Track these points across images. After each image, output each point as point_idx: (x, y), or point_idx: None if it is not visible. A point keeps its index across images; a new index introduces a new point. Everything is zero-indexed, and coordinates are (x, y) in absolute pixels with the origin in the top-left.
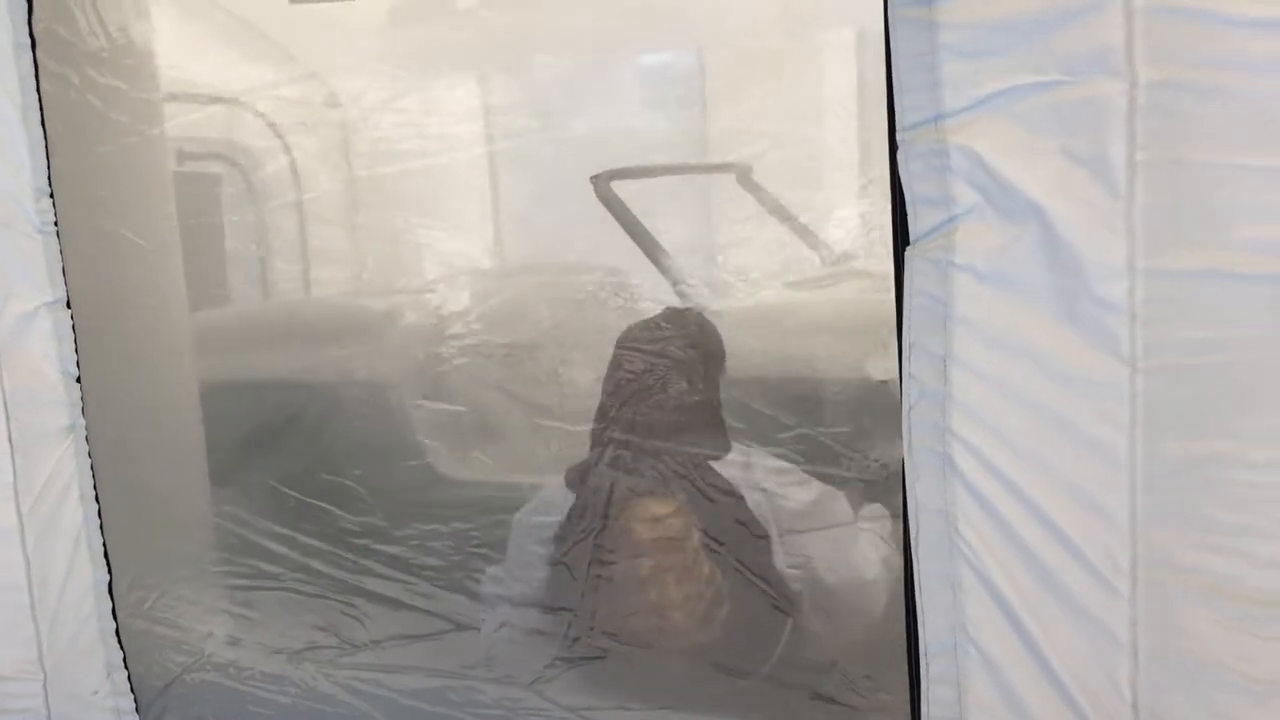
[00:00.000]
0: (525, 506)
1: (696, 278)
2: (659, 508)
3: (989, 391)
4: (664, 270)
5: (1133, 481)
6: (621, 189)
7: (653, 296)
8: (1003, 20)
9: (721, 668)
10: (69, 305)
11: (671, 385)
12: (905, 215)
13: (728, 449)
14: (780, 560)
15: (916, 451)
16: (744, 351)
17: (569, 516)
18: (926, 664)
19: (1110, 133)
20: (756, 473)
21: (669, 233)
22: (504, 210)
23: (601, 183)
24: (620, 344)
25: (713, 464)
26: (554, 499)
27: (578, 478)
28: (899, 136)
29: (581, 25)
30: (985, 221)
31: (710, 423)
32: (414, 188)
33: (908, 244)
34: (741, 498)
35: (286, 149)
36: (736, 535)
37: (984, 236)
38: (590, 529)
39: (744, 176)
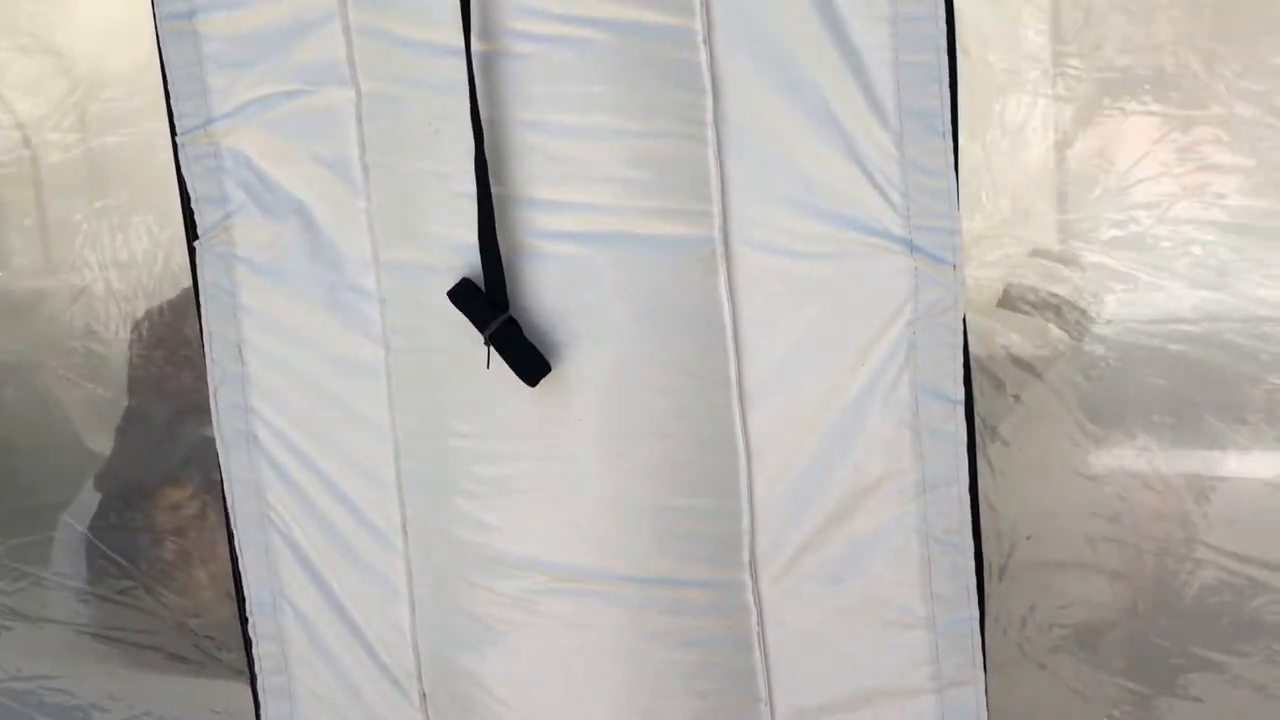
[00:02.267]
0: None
1: None
2: (175, 494)
3: (278, 373)
4: None
5: (395, 450)
6: None
7: None
8: (252, 33)
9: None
10: None
11: (192, 369)
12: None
13: None
14: None
15: (225, 429)
16: None
17: (96, 515)
18: (253, 623)
19: (345, 138)
20: None
21: None
22: None
23: None
24: (134, 334)
25: None
26: (86, 502)
27: (104, 478)
28: (177, 139)
29: None
30: (255, 218)
31: None
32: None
33: (198, 238)
34: None
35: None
36: None
37: (255, 231)
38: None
39: None
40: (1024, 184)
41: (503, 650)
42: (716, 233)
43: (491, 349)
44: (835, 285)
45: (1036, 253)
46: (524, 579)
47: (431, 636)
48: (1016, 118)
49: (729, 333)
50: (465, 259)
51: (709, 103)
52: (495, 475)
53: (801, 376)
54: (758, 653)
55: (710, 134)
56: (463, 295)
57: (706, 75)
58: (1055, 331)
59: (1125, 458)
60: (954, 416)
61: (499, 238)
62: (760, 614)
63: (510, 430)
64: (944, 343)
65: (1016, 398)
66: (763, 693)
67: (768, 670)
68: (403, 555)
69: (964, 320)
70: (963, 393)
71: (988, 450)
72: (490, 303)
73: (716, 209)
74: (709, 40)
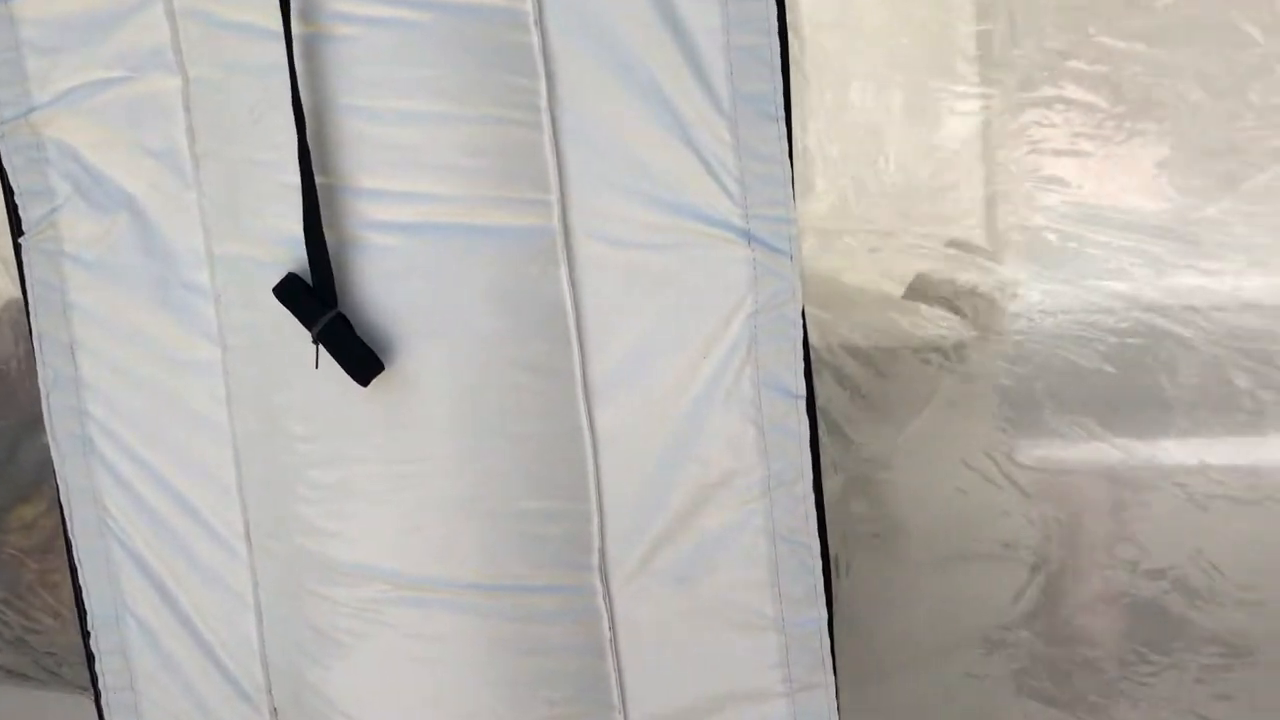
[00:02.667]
0: None
1: None
2: (28, 511)
3: (113, 374)
4: None
5: (235, 453)
6: None
7: None
8: (70, 17)
9: None
10: None
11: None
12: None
13: None
14: None
15: (59, 434)
16: None
17: None
18: (96, 637)
19: (174, 127)
20: None
21: None
22: None
23: None
24: None
25: None
26: None
27: None
28: None
29: None
30: (82, 212)
31: None
32: None
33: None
34: None
35: None
36: None
37: (83, 226)
38: None
39: None
40: (869, 172)
41: (348, 663)
42: (556, 223)
43: (321, 347)
44: (676, 277)
45: (952, 244)
46: (366, 588)
47: (280, 648)
48: (867, 103)
49: (572, 327)
50: (294, 253)
51: (542, 87)
52: (334, 480)
53: (647, 371)
54: (610, 659)
55: (545, 119)
56: (289, 291)
57: (539, 58)
58: (903, 323)
59: (977, 456)
60: (796, 412)
61: (326, 230)
62: (611, 618)
63: (348, 432)
64: (784, 336)
65: (858, 390)
66: (616, 700)
67: (620, 676)
68: (247, 563)
69: (804, 313)
70: (804, 387)
71: (830, 449)
72: (318, 299)
73: (555, 198)
74: (540, 22)
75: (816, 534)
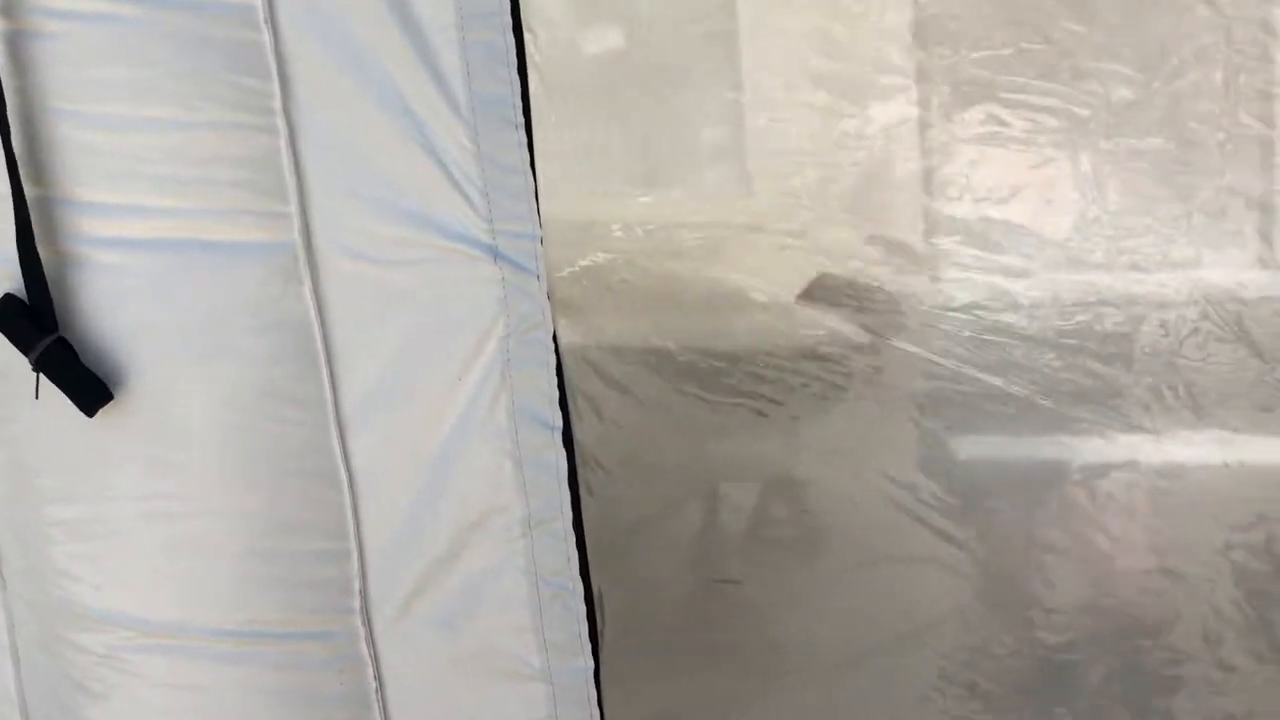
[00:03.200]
0: None
1: None
2: None
3: None
4: None
5: None
6: None
7: None
8: None
9: None
10: None
11: None
12: None
13: None
14: None
15: None
16: None
17: None
18: None
19: None
20: None
21: None
22: None
23: None
24: None
25: None
26: None
27: None
28: None
29: None
30: None
31: None
32: None
33: None
34: None
35: None
36: None
37: None
38: None
39: None
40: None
41: (103, 712)
42: (297, 236)
43: (42, 375)
44: (425, 296)
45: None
46: (109, 634)
47: (39, 696)
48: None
49: (321, 350)
50: (11, 271)
51: (276, 89)
52: (72, 518)
53: (400, 399)
54: (376, 709)
55: (280, 124)
56: (4, 314)
57: (271, 58)
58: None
59: (881, 462)
60: (553, 445)
61: (42, 247)
62: (376, 666)
63: (81, 467)
64: (537, 362)
65: (615, 423)
66: None
67: None
68: (2, 605)
69: (555, 338)
70: (560, 419)
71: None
72: (35, 322)
73: (294, 209)
74: (271, 19)
75: (579, 576)
